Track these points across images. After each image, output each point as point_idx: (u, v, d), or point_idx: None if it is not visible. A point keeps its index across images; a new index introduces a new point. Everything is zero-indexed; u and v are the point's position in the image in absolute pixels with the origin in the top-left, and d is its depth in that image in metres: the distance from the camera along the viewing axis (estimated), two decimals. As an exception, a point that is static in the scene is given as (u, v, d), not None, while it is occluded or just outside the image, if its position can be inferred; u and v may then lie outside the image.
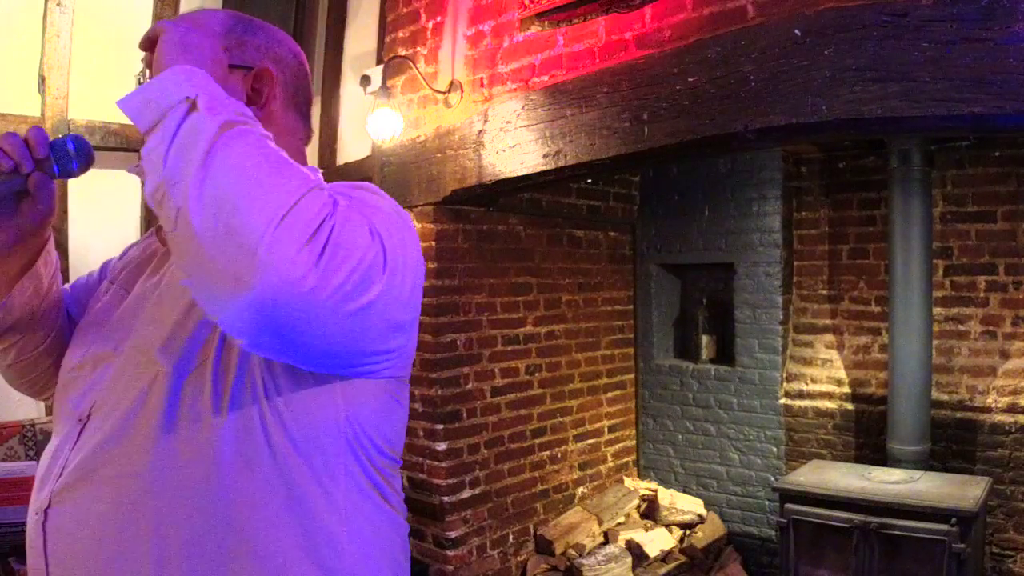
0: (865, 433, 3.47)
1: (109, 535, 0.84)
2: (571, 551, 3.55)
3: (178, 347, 0.87)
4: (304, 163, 0.98)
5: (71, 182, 3.05)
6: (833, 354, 3.65)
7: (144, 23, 3.72)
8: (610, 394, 4.11)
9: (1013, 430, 3.10)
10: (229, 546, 0.83)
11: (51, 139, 0.91)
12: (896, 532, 2.61)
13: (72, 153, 0.92)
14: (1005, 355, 3.21)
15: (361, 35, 3.85)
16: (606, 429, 4.08)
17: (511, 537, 3.53)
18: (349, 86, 3.87)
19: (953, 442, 3.23)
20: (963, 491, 2.68)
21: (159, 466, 0.84)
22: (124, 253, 1.15)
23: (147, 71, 0.97)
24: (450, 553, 3.27)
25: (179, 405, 0.85)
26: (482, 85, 3.02)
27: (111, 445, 0.86)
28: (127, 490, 0.84)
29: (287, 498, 0.85)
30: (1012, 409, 3.12)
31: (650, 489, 4.03)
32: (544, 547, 3.58)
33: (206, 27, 0.92)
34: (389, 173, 3.40)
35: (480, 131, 2.97)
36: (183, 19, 0.94)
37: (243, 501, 0.83)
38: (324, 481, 0.87)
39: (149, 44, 0.89)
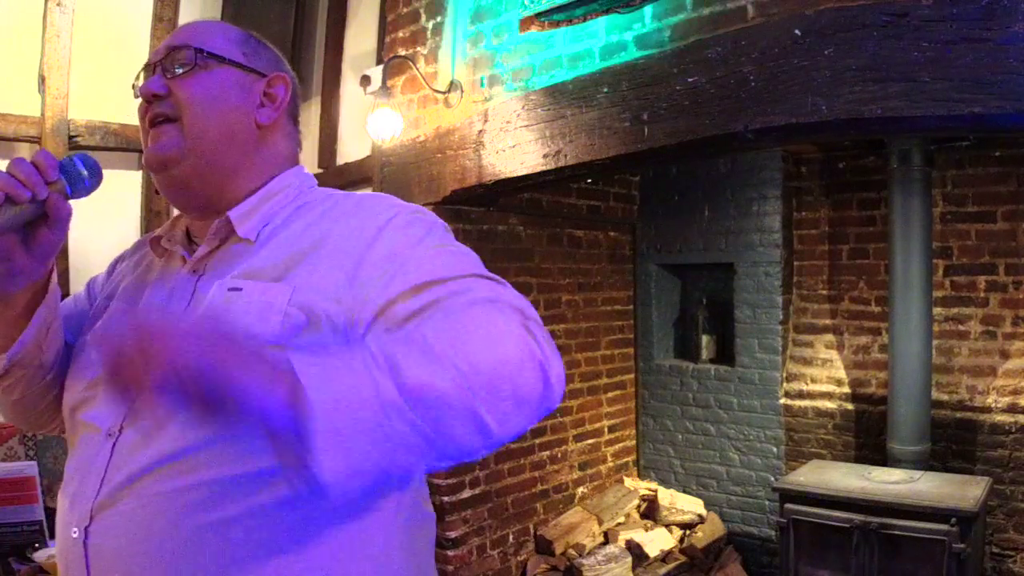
0: (865, 433, 3.47)
1: (161, 550, 0.82)
2: (571, 551, 3.55)
3: None
4: (295, 160, 1.08)
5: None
6: (833, 354, 3.65)
7: (144, 23, 3.72)
8: (610, 394, 4.11)
9: (1013, 430, 3.10)
10: (287, 561, 0.83)
11: (59, 160, 0.90)
12: (896, 532, 2.61)
13: (83, 173, 0.91)
14: (1005, 355, 3.21)
15: (361, 35, 3.85)
16: (606, 429, 4.08)
17: (511, 537, 3.53)
18: (349, 86, 3.87)
19: (953, 442, 3.23)
20: (963, 491, 2.68)
21: (213, 479, 0.83)
22: (112, 269, 1.13)
23: (141, 75, 1.02)
24: (450, 553, 3.27)
25: None
26: (482, 85, 3.02)
27: (160, 461, 0.84)
28: (180, 503, 0.83)
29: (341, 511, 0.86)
30: (1012, 409, 3.12)
31: (650, 489, 4.03)
32: (544, 547, 3.58)
33: (224, 37, 1.01)
34: (389, 173, 3.40)
35: (480, 131, 2.97)
36: (204, 34, 1.01)
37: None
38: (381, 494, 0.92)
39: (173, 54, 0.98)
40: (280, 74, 1.03)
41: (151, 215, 3.58)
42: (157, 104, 0.97)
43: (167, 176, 0.97)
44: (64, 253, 3.40)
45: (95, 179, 0.93)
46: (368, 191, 3.67)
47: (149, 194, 3.57)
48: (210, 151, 0.96)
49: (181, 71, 0.97)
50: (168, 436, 0.84)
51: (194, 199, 1.00)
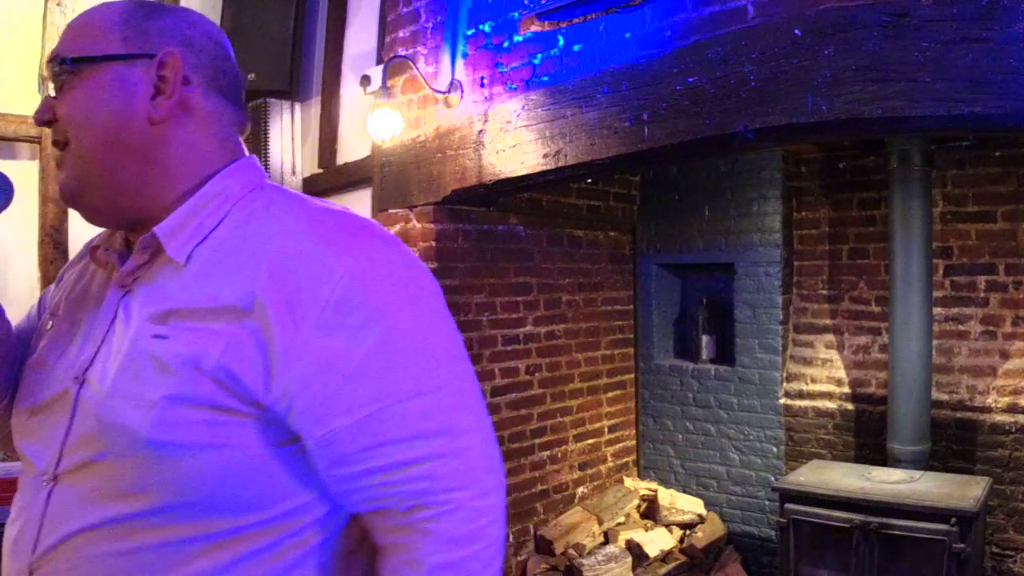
0: (865, 433, 3.47)
1: None
2: (571, 551, 3.55)
3: None
4: (237, 151, 0.91)
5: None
6: (833, 354, 3.65)
7: (144, 23, 3.72)
8: (610, 394, 4.11)
9: (1013, 430, 3.10)
10: None
11: None
12: (896, 532, 2.61)
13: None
14: (1005, 355, 3.21)
15: (361, 35, 3.85)
16: (606, 429, 4.08)
17: (511, 537, 3.53)
18: (349, 86, 3.87)
19: (953, 442, 3.23)
20: (963, 491, 2.68)
21: (158, 543, 0.78)
22: (60, 279, 1.03)
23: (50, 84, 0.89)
24: (450, 553, 3.26)
25: None
26: (482, 85, 3.02)
27: (98, 523, 0.78)
28: (121, 567, 0.78)
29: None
30: (1012, 409, 3.12)
31: (650, 489, 4.03)
32: (544, 547, 3.58)
33: (98, 28, 0.84)
34: (389, 173, 3.40)
35: (480, 131, 2.97)
36: (76, 33, 0.85)
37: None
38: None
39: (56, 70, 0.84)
40: (168, 52, 0.83)
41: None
42: (53, 130, 0.85)
43: (79, 209, 0.87)
44: (64, 254, 3.41)
45: (5, 198, 0.89)
46: (368, 192, 3.68)
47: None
48: (106, 172, 0.83)
49: (55, 91, 0.84)
50: (106, 493, 0.77)
51: (116, 222, 0.89)
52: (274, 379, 0.75)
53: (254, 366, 0.75)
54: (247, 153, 0.93)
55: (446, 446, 0.77)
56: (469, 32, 3.09)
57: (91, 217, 0.87)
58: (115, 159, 0.82)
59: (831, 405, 3.58)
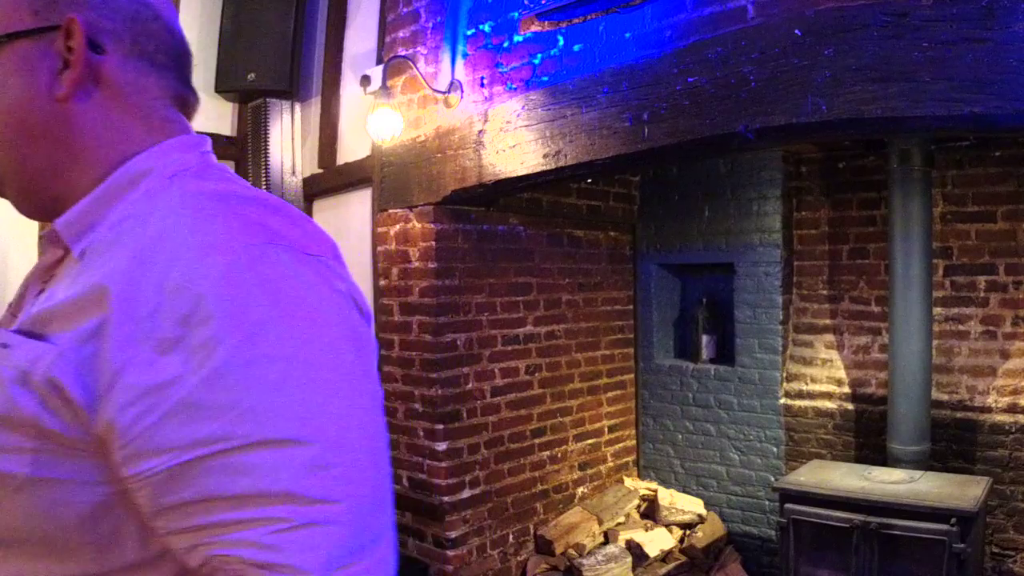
0: (865, 433, 3.47)
1: None
2: (571, 551, 3.55)
3: None
4: (169, 129, 0.76)
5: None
6: (833, 354, 3.65)
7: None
8: (610, 394, 4.11)
9: (1013, 430, 3.10)
10: None
11: None
12: (896, 532, 2.61)
13: None
14: (1005, 355, 3.21)
15: (361, 35, 3.85)
16: (606, 429, 4.08)
17: (511, 537, 3.53)
18: (349, 86, 3.87)
19: (953, 442, 3.23)
20: (963, 491, 2.68)
21: None
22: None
23: None
24: (450, 553, 3.27)
25: None
26: (482, 85, 3.02)
27: None
28: None
29: None
30: (1012, 409, 3.12)
31: (650, 489, 4.03)
32: (544, 547, 3.58)
33: (7, 3, 0.74)
34: (389, 173, 3.40)
35: (480, 131, 2.97)
36: None
37: None
38: None
39: None
40: (71, 16, 0.72)
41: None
42: None
43: (7, 199, 0.79)
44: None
45: None
46: (368, 192, 3.68)
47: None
48: (16, 160, 0.74)
49: None
50: None
51: (41, 212, 0.78)
52: (104, 400, 0.60)
53: (86, 381, 0.61)
54: (191, 131, 0.79)
55: (292, 513, 0.58)
56: (469, 32, 3.09)
57: (19, 209, 0.79)
58: (23, 144, 0.73)
59: (831, 405, 3.58)
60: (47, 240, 0.75)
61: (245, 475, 0.59)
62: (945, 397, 3.26)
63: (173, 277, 0.62)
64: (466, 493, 3.33)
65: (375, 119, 3.00)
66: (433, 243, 3.22)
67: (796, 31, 2.14)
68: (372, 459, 0.65)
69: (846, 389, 3.56)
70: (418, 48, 3.27)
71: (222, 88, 3.94)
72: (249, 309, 0.61)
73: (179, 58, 0.80)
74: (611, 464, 4.11)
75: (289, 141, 3.01)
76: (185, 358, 0.60)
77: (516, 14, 2.88)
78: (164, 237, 0.64)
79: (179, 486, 0.60)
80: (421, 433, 3.30)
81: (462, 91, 3.08)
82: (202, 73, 3.94)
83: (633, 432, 4.25)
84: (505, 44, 2.95)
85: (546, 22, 2.80)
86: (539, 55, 2.83)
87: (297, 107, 3.10)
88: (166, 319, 0.60)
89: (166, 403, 0.59)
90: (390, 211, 3.40)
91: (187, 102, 0.81)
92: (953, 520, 2.51)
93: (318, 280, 0.66)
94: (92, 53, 0.73)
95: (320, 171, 4.01)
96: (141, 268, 0.63)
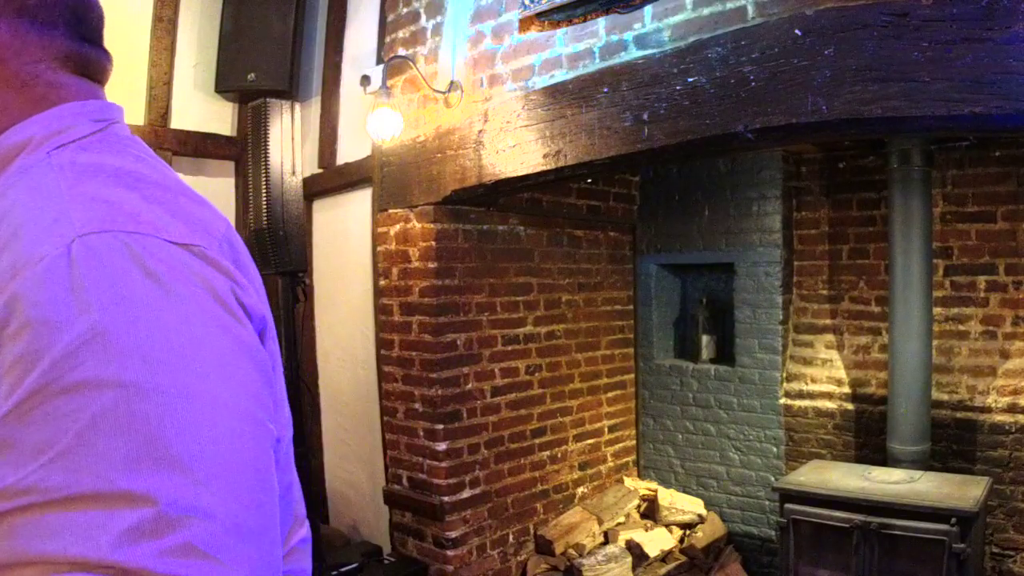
0: (865, 433, 3.47)
1: None
2: (571, 551, 3.55)
3: None
4: (54, 96, 0.64)
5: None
6: (833, 354, 3.65)
7: (144, 23, 3.73)
8: (610, 394, 4.11)
9: (1013, 430, 3.10)
10: None
11: None
12: (896, 532, 2.61)
13: None
14: (1005, 355, 3.20)
15: (361, 35, 3.85)
16: (606, 429, 4.08)
17: (511, 537, 3.53)
18: (349, 86, 3.87)
19: (953, 442, 3.23)
20: (963, 491, 2.68)
21: None
22: None
23: None
24: (450, 553, 3.27)
25: None
26: (482, 85, 3.02)
27: None
28: None
29: None
30: (1012, 409, 3.12)
31: (650, 489, 4.03)
32: (544, 547, 3.58)
33: None
34: (389, 173, 3.40)
35: (480, 131, 2.97)
36: None
37: None
38: None
39: None
40: None
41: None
42: None
43: None
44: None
45: None
46: (368, 192, 3.68)
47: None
48: None
49: None
50: None
51: None
52: None
53: None
54: (95, 95, 0.68)
55: None
56: (469, 32, 3.09)
57: None
58: None
59: (831, 405, 3.58)
60: None
61: (55, 538, 0.45)
62: (945, 397, 3.26)
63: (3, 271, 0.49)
64: (466, 493, 3.33)
65: (375, 119, 3.00)
66: (433, 243, 3.22)
67: (796, 31, 2.14)
68: (238, 520, 0.49)
69: (846, 389, 3.56)
70: (418, 48, 3.27)
71: (222, 88, 3.94)
72: (73, 318, 0.48)
73: (72, 11, 0.66)
74: (611, 464, 4.11)
75: (289, 141, 3.01)
76: None
77: (516, 14, 2.88)
78: (1, 223, 0.54)
79: None
80: (421, 433, 3.30)
81: (462, 91, 3.08)
82: (202, 73, 3.94)
83: (633, 432, 4.25)
84: (505, 44, 2.95)
85: (546, 22, 2.80)
86: (539, 55, 2.83)
87: (297, 107, 3.10)
88: None
89: None
90: (390, 211, 3.40)
91: (87, 61, 0.67)
92: (953, 520, 2.51)
93: (176, 276, 0.53)
94: None
95: (320, 171, 4.01)
96: None
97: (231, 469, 0.51)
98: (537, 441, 3.66)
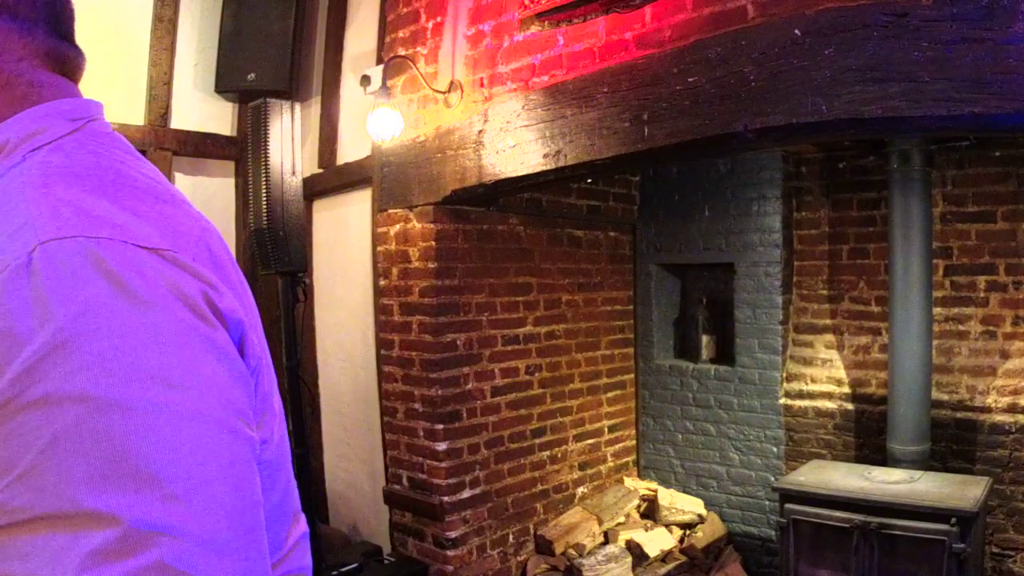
0: (865, 433, 3.47)
1: None
2: (571, 551, 3.55)
3: None
4: (36, 95, 0.62)
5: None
6: (833, 354, 3.65)
7: (144, 23, 3.73)
8: (610, 394, 4.11)
9: (1013, 430, 3.10)
10: None
11: None
12: (896, 532, 2.61)
13: None
14: (1005, 355, 3.20)
15: (361, 35, 3.85)
16: (606, 429, 4.08)
17: (511, 537, 3.53)
18: (349, 86, 3.87)
19: (953, 442, 3.23)
20: (963, 491, 2.68)
21: None
22: None
23: None
24: (450, 553, 3.27)
25: None
26: (482, 85, 3.02)
27: None
28: None
29: None
30: (1012, 409, 3.12)
31: (650, 489, 4.03)
32: (544, 547, 3.58)
33: None
34: (389, 173, 3.40)
35: (480, 131, 2.97)
36: None
37: None
38: None
39: None
40: None
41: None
42: None
43: None
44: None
45: None
46: (368, 192, 3.68)
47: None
48: None
49: None
50: None
51: None
52: None
53: None
54: (72, 94, 0.66)
55: None
56: (469, 32, 3.09)
57: None
58: None
59: (831, 405, 3.58)
60: None
61: (23, 561, 0.43)
62: (945, 397, 3.26)
63: None
64: (466, 493, 3.33)
65: (375, 119, 3.00)
66: (433, 243, 3.22)
67: (796, 31, 2.14)
68: (214, 534, 0.48)
69: (846, 389, 3.56)
70: (418, 48, 3.27)
71: (222, 88, 3.94)
72: (34, 330, 0.46)
73: (49, 8, 0.65)
74: (611, 464, 4.11)
75: (289, 141, 3.01)
76: None
77: (516, 14, 2.88)
78: None
79: None
80: (421, 433, 3.30)
81: (462, 91, 3.08)
82: (202, 73, 3.94)
83: (633, 432, 4.25)
84: (505, 44, 2.95)
85: (546, 22, 2.80)
86: (539, 55, 2.83)
87: (297, 107, 3.10)
88: None
89: None
90: (390, 211, 3.40)
91: (65, 59, 0.66)
92: (953, 520, 2.51)
93: (143, 282, 0.50)
94: None
95: (320, 171, 4.01)
96: None
97: (204, 481, 0.48)
98: (537, 441, 3.66)
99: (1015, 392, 3.14)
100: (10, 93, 0.61)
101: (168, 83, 3.80)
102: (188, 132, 3.89)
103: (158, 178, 0.64)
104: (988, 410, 3.17)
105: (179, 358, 0.50)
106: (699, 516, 3.85)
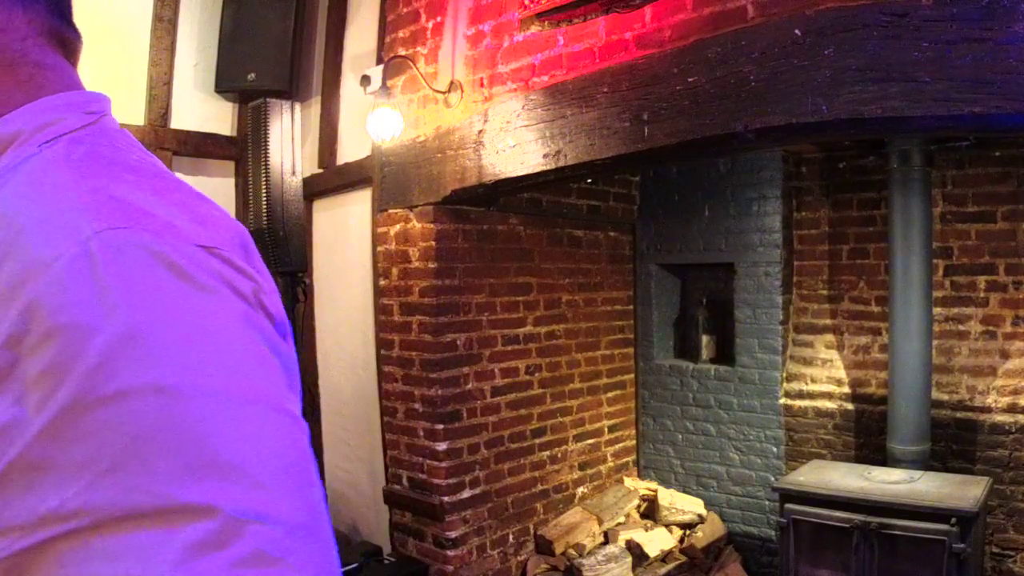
0: (865, 433, 3.47)
1: None
2: (571, 551, 3.55)
3: None
4: (43, 79, 0.58)
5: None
6: (833, 354, 3.65)
7: (144, 23, 3.73)
8: (610, 394, 4.11)
9: (1013, 430, 3.10)
10: None
11: None
12: (896, 532, 2.61)
13: None
14: (1005, 355, 3.20)
15: (361, 35, 3.85)
16: (606, 429, 4.08)
17: (511, 537, 3.53)
18: (349, 86, 3.87)
19: (953, 442, 3.23)
20: (963, 491, 2.68)
21: None
22: None
23: None
24: (450, 553, 3.27)
25: None
26: (482, 85, 3.02)
27: None
28: None
29: None
30: (1012, 409, 3.12)
31: (650, 489, 4.03)
32: (544, 547, 3.58)
33: None
34: (389, 173, 3.40)
35: (480, 131, 2.97)
36: None
37: None
38: None
39: None
40: None
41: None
42: None
43: None
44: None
45: None
46: (368, 192, 3.68)
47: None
48: None
49: None
50: None
51: None
52: None
53: None
54: (77, 82, 0.62)
55: None
56: (469, 32, 3.09)
57: None
58: None
59: (831, 405, 3.58)
60: None
61: (110, 563, 0.41)
62: (945, 397, 3.26)
63: (14, 276, 0.45)
64: (466, 493, 3.33)
65: (375, 119, 3.00)
66: (433, 243, 3.22)
67: (796, 31, 2.14)
68: (298, 519, 0.47)
69: (846, 389, 3.56)
70: (418, 48, 3.27)
71: (222, 88, 3.94)
72: (102, 321, 0.44)
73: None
74: (611, 464, 4.11)
75: (289, 141, 3.01)
76: (19, 394, 0.43)
77: (516, 14, 2.88)
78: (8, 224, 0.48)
79: None
80: (421, 433, 3.30)
81: (462, 91, 3.08)
82: (202, 73, 3.94)
83: (633, 432, 4.25)
84: (505, 44, 2.95)
85: (546, 22, 2.80)
86: (539, 55, 2.83)
87: (297, 107, 3.10)
88: (8, 332, 0.44)
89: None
90: (390, 211, 3.40)
91: (66, 41, 0.62)
92: (953, 520, 2.51)
93: (201, 272, 0.49)
94: None
95: (320, 171, 4.01)
96: None
97: (281, 467, 0.48)
98: (537, 441, 3.66)
99: (1015, 392, 3.14)
100: (14, 75, 0.57)
101: (168, 83, 3.80)
102: (188, 132, 3.89)
103: (177, 177, 0.62)
104: (988, 410, 3.17)
105: (244, 345, 0.50)
106: (699, 516, 3.85)
